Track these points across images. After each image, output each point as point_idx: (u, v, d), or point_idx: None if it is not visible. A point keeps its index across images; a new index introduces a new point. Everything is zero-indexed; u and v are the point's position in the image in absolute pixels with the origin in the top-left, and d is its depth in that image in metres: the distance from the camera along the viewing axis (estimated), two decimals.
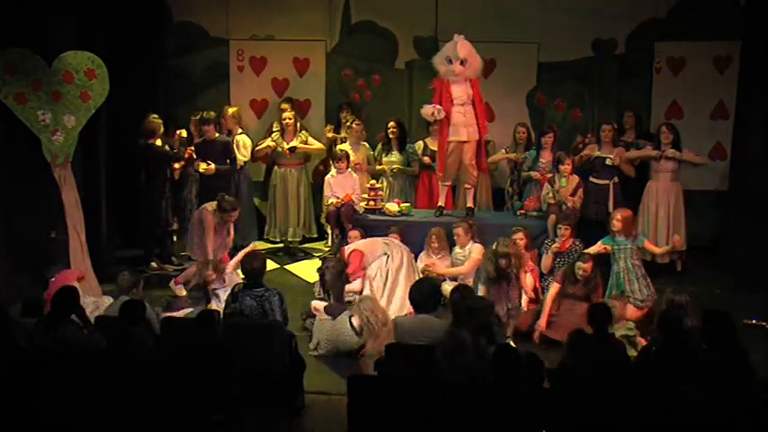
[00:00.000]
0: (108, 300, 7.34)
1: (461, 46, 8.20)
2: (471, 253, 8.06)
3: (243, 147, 9.43)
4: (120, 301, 6.47)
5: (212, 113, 9.26)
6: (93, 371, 5.04)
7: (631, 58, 9.87)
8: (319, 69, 10.31)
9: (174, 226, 9.30)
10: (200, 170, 8.89)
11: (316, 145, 9.69)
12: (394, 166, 9.41)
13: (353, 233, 8.21)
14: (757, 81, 8.43)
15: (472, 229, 8.15)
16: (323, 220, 9.48)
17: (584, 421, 4.59)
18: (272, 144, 9.58)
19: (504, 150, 9.25)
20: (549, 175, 8.70)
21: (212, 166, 8.86)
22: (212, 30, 10.28)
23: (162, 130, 8.85)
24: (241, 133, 9.48)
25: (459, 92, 8.26)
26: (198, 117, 9.34)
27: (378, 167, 9.52)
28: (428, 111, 8.34)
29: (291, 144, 9.50)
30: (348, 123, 9.60)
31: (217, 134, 9.10)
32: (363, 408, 4.96)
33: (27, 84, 7.19)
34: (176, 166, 8.99)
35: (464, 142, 8.38)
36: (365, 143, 9.58)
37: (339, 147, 9.37)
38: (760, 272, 8.21)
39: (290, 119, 9.50)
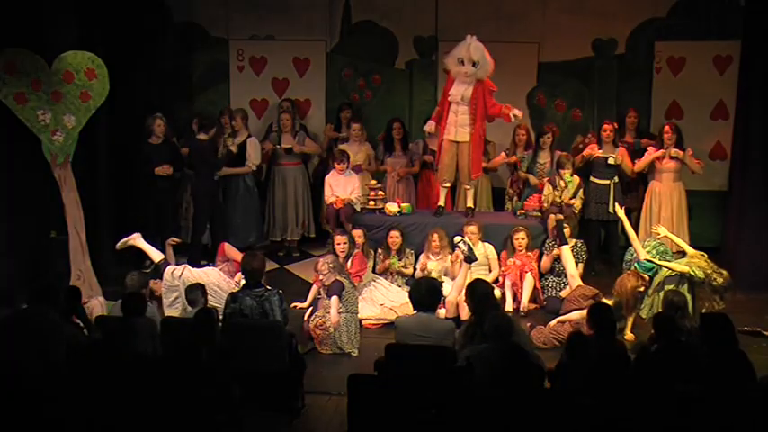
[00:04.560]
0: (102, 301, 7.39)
1: (474, 48, 8.16)
2: (488, 254, 8.15)
3: (255, 150, 9.37)
4: None
5: (219, 113, 9.28)
6: (93, 370, 5.04)
7: (631, 58, 9.87)
8: (319, 69, 10.31)
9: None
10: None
11: (312, 147, 9.69)
12: (398, 169, 9.44)
13: (356, 232, 8.22)
14: (757, 81, 8.43)
15: (481, 230, 8.19)
16: (322, 220, 9.48)
17: (584, 421, 4.60)
18: (269, 145, 9.59)
19: (504, 153, 9.24)
20: (547, 180, 8.70)
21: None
22: (212, 30, 10.28)
23: (163, 130, 8.84)
24: (250, 136, 9.46)
25: (455, 91, 8.25)
26: (201, 117, 9.35)
27: (381, 168, 9.53)
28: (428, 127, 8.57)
29: (287, 144, 9.50)
30: (348, 123, 9.62)
31: (222, 136, 9.09)
32: (363, 408, 4.96)
33: (27, 84, 7.17)
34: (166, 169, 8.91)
35: (456, 142, 8.38)
36: (366, 143, 9.59)
37: (340, 147, 9.38)
38: (761, 272, 8.22)
39: (287, 119, 9.52)
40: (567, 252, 7.86)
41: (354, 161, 9.23)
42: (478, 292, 6.07)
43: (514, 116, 8.32)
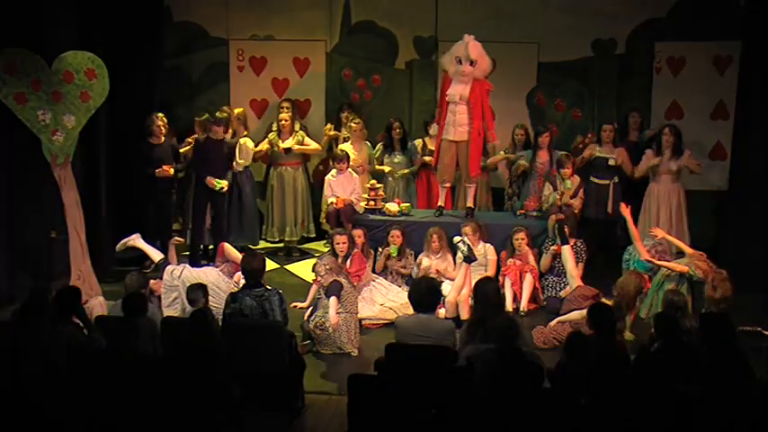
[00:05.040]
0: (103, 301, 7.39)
1: (472, 47, 8.18)
2: (487, 255, 8.12)
3: (245, 150, 9.32)
4: None
5: (225, 114, 9.22)
6: (94, 371, 5.05)
7: (631, 58, 9.87)
8: (319, 69, 10.31)
9: (176, 226, 9.31)
10: (216, 188, 8.75)
11: (312, 145, 9.68)
12: (401, 172, 9.46)
13: (356, 232, 8.23)
14: (757, 81, 8.43)
15: (481, 230, 8.17)
16: (322, 220, 9.48)
17: (584, 421, 4.60)
18: (267, 145, 9.57)
19: (503, 152, 9.24)
20: (548, 180, 8.71)
21: (225, 183, 8.82)
22: (212, 30, 10.29)
23: (165, 130, 8.83)
24: (245, 135, 9.45)
25: (454, 91, 8.26)
26: (204, 117, 9.33)
27: (378, 167, 9.53)
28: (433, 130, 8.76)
29: (287, 144, 9.50)
30: (349, 122, 9.61)
31: (226, 135, 9.05)
32: (363, 408, 4.96)
33: (27, 84, 7.18)
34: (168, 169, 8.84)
35: (455, 142, 8.38)
36: (366, 142, 9.59)
37: (340, 147, 9.38)
38: (760, 272, 8.22)
39: (286, 120, 9.51)
40: (567, 252, 7.86)
41: (355, 160, 9.22)
42: (480, 291, 6.09)
43: (492, 144, 8.64)
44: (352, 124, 9.47)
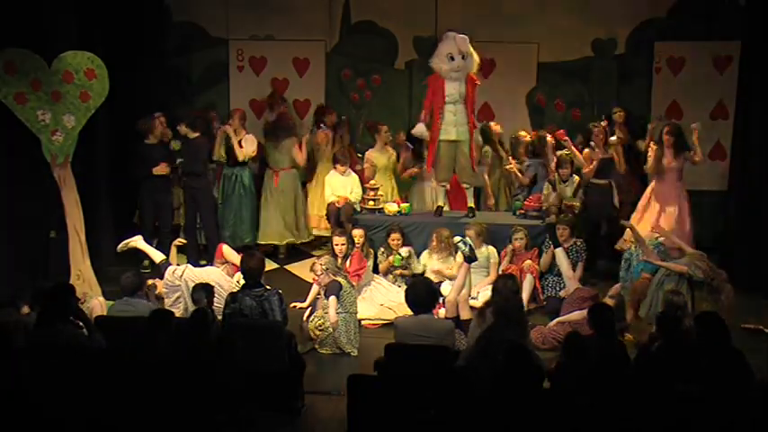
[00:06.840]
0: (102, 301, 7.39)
1: (460, 40, 8.21)
2: (490, 257, 8.14)
3: (249, 145, 9.23)
4: (125, 302, 6.46)
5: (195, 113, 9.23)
6: (93, 371, 5.05)
7: (631, 58, 9.89)
8: (319, 69, 10.33)
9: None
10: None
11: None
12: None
13: (356, 232, 8.22)
14: (757, 81, 8.43)
15: (483, 232, 8.17)
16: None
17: (584, 421, 4.60)
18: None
19: (514, 163, 9.16)
20: (547, 179, 8.72)
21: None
22: (212, 30, 10.30)
23: (159, 130, 8.83)
24: (247, 134, 9.41)
25: (452, 90, 8.26)
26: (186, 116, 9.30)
27: (411, 171, 9.36)
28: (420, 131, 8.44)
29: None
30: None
31: (196, 134, 8.93)
32: (363, 408, 4.96)
33: (27, 84, 7.18)
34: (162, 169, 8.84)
35: (456, 142, 8.37)
36: (390, 148, 9.45)
37: (368, 153, 9.27)
38: (760, 272, 8.22)
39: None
40: (560, 254, 7.86)
41: (381, 165, 9.20)
42: (496, 290, 6.17)
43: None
44: (381, 128, 9.34)
